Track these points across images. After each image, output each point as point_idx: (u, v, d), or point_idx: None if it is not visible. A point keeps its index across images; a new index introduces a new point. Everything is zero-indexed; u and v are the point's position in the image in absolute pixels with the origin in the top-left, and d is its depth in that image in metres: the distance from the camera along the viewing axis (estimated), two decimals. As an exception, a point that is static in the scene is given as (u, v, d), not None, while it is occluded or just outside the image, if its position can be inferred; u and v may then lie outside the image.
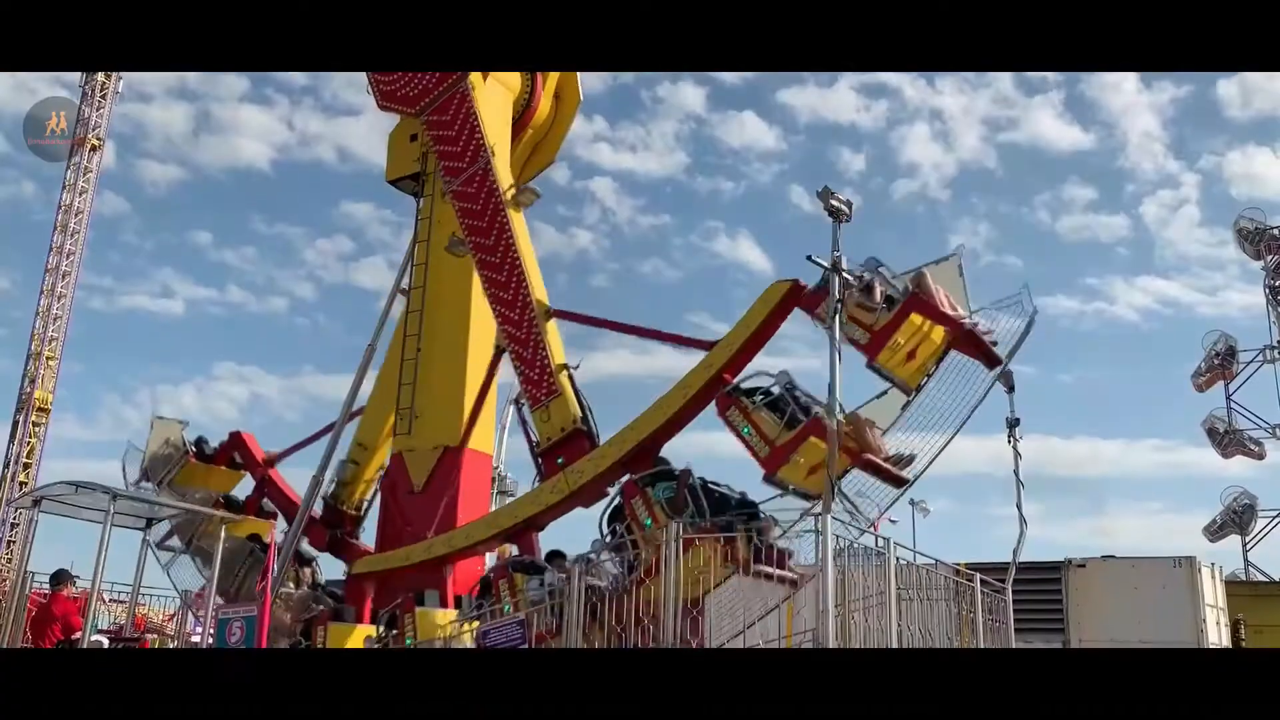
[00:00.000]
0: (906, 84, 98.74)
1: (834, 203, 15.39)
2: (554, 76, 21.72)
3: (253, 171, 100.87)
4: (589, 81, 22.53)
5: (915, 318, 13.45)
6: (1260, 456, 44.33)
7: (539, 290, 18.04)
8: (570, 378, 17.25)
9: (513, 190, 18.89)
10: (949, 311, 13.61)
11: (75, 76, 53.42)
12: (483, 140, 18.93)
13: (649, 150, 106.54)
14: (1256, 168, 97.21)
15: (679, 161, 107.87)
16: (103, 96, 52.91)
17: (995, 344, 13.87)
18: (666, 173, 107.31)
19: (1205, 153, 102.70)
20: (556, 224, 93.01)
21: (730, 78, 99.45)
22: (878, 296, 13.57)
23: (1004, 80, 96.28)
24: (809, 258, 15.74)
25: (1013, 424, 15.73)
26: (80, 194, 52.46)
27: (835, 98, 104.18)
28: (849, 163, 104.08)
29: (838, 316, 14.27)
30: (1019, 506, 15.64)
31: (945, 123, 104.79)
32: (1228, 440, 44.10)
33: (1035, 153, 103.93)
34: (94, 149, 52.82)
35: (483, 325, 19.12)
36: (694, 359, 15.50)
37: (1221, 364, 44.51)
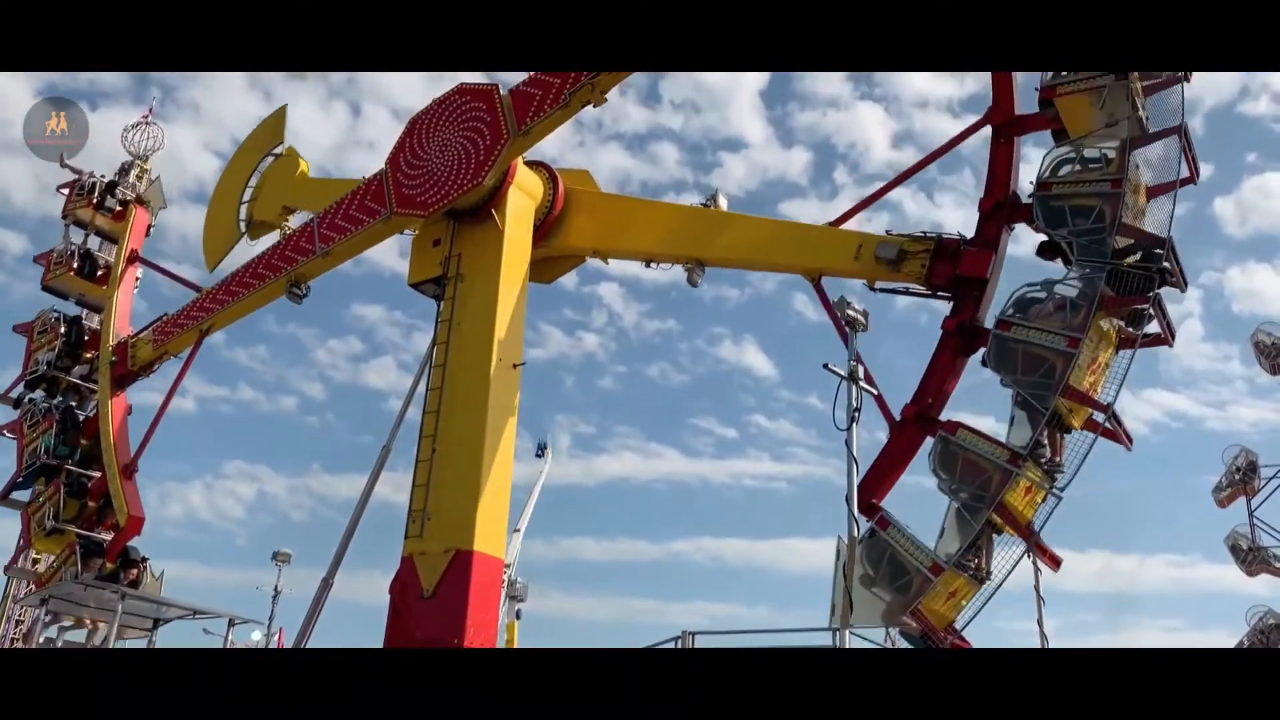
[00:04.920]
0: (907, 198, 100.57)
1: (850, 313, 15.58)
2: (573, 189, 22.36)
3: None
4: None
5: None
6: (1287, 575, 43.33)
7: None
8: None
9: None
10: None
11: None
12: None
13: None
14: (1257, 284, 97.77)
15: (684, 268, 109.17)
16: (134, 196, 54.17)
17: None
18: (672, 279, 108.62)
19: (1206, 269, 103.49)
20: (564, 327, 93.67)
21: (733, 190, 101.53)
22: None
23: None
24: (825, 366, 15.84)
25: (1033, 535, 15.51)
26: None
27: (836, 209, 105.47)
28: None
29: (854, 424, 14.53)
30: (1040, 624, 15.31)
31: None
32: (1252, 558, 43.19)
33: (1037, 268, 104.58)
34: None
35: (498, 425, 19.16)
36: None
37: (1243, 479, 43.92)
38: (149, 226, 29.88)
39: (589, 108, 19.87)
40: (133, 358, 26.59)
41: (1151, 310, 15.34)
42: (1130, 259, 15.61)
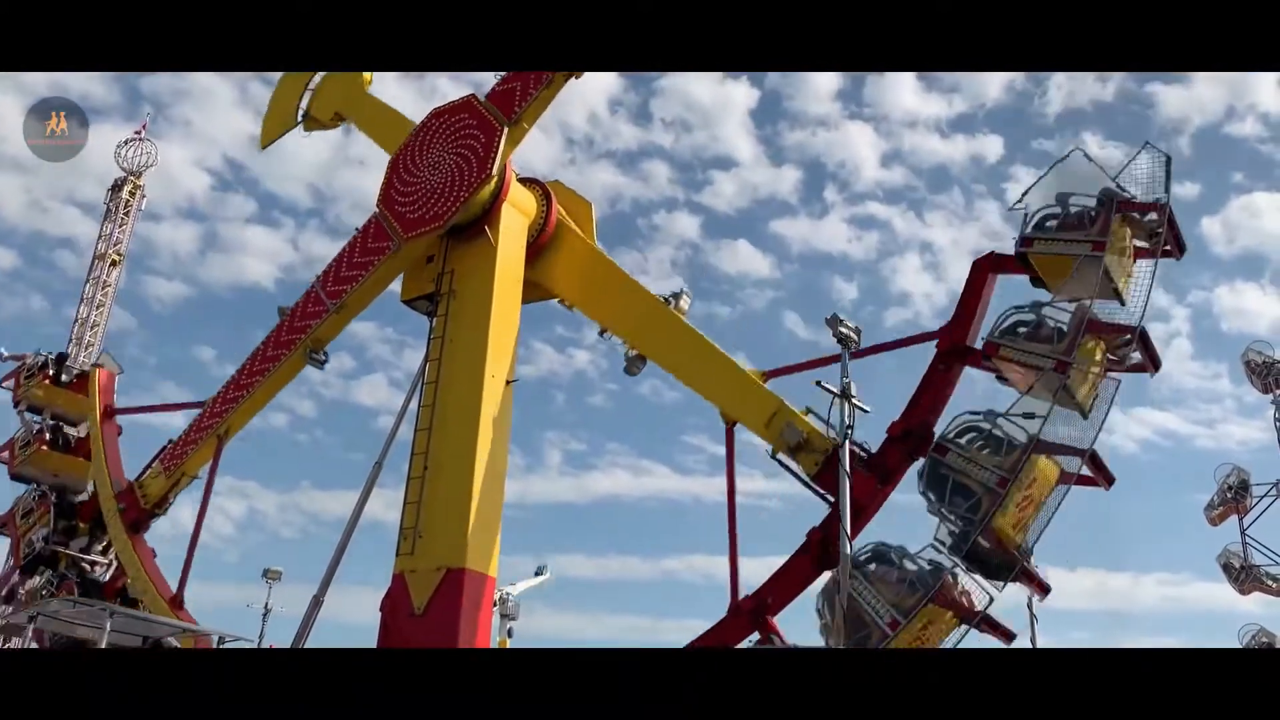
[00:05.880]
0: (896, 216, 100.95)
1: (842, 330, 15.65)
2: (566, 224, 22.19)
3: (257, 290, 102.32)
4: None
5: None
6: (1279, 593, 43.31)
7: None
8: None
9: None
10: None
11: (98, 195, 54.83)
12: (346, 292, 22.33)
13: (646, 275, 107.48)
14: (1246, 303, 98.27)
15: (675, 287, 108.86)
16: (125, 213, 54.07)
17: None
18: (663, 296, 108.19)
19: (1194, 288, 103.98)
20: (555, 344, 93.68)
21: (724, 208, 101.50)
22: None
23: (992, 214, 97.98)
24: (818, 383, 15.89)
25: (1026, 553, 15.53)
26: (97, 308, 53.12)
27: (827, 229, 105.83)
28: (842, 291, 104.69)
29: (846, 441, 14.57)
30: (1033, 642, 15.32)
31: (935, 254, 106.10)
32: (1245, 576, 43.17)
33: (1026, 284, 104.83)
34: (114, 264, 53.69)
35: (491, 442, 19.10)
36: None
37: (1235, 498, 43.96)
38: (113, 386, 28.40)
39: (574, 80, 21.10)
40: (144, 496, 24.93)
41: (980, 622, 14.96)
42: (991, 560, 15.16)
